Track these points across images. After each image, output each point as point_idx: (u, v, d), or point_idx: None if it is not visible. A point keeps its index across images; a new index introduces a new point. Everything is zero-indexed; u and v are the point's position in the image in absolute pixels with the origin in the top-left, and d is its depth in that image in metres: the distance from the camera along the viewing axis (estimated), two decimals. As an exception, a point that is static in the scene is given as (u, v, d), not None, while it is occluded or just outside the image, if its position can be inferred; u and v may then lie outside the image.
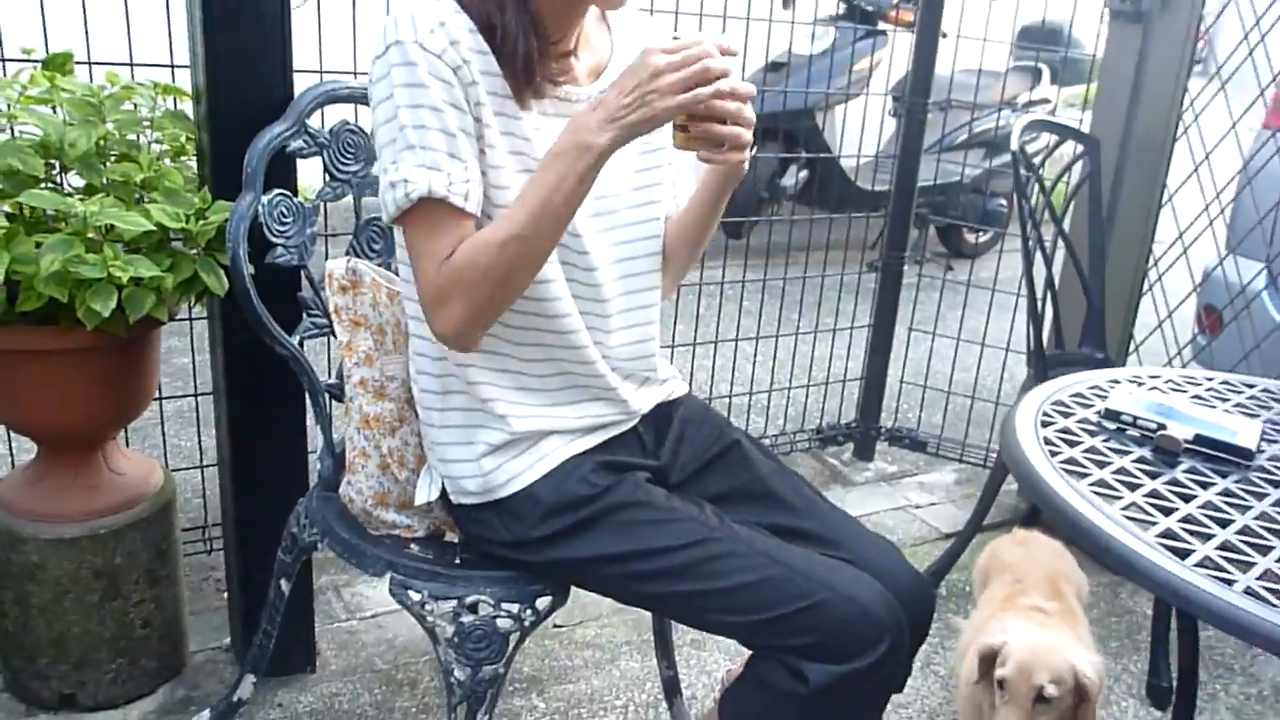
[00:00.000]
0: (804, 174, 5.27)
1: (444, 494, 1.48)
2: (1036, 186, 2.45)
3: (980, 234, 5.77)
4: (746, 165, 1.39)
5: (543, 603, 1.45)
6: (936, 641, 2.30)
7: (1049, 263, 2.42)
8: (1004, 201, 5.70)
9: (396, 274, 1.49)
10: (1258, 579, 1.02)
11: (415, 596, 1.44)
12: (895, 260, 3.06)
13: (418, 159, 1.25)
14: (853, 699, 1.36)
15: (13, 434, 2.01)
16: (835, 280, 3.28)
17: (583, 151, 1.22)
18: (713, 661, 2.16)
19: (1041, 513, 2.79)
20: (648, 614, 2.01)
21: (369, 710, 1.94)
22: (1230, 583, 1.00)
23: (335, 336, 1.55)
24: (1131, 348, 2.85)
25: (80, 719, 1.83)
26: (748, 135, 1.27)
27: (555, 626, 2.23)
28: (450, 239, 1.27)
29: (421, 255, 1.28)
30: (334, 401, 1.64)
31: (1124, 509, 1.13)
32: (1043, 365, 2.40)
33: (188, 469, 2.31)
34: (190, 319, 2.11)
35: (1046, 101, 5.51)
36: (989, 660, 1.62)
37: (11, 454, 2.22)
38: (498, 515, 1.43)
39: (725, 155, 1.27)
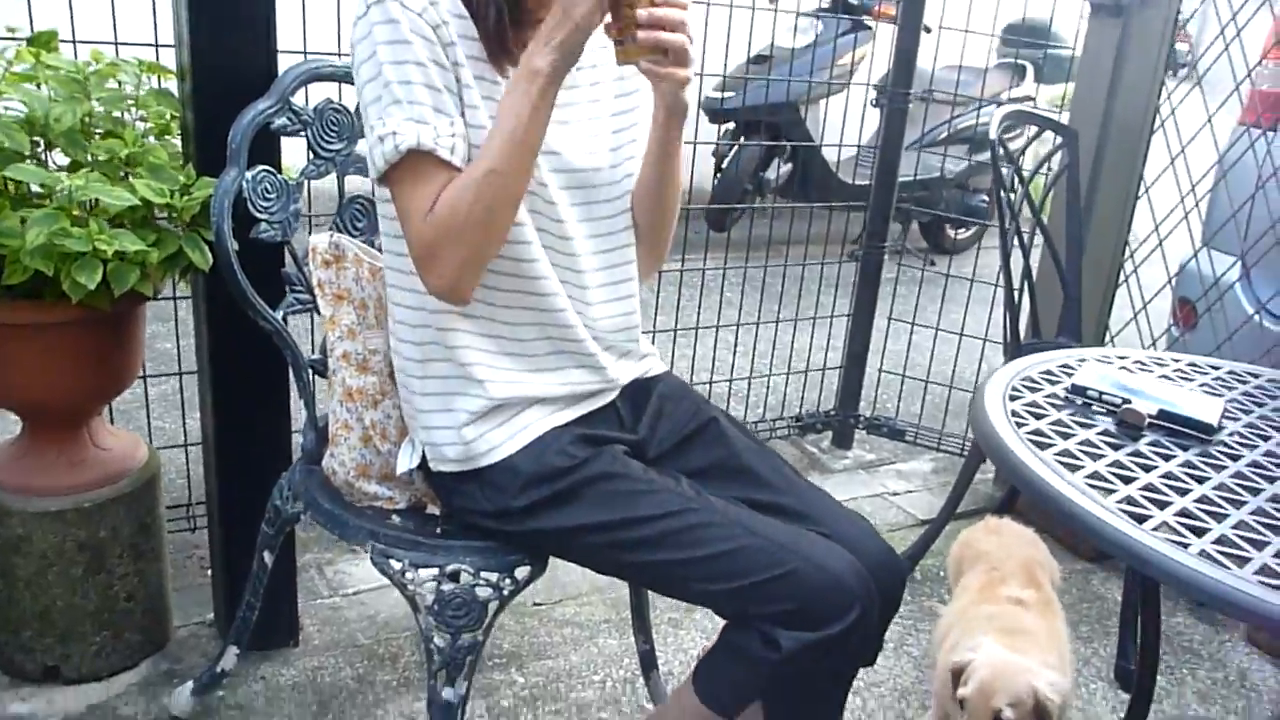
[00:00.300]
0: (787, 167, 5.31)
1: (425, 466, 1.50)
2: (1015, 177, 2.49)
3: (961, 230, 5.82)
4: (689, 92, 1.40)
5: (521, 572, 1.47)
6: (910, 624, 2.34)
7: (1026, 253, 2.46)
8: (985, 198, 5.75)
9: (380, 251, 1.51)
10: (1213, 543, 1.05)
11: (396, 565, 1.46)
12: (875, 250, 3.09)
13: (405, 113, 1.28)
14: (822, 666, 1.39)
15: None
16: (816, 273, 3.32)
17: (532, 77, 1.27)
18: (690, 640, 2.19)
19: (1014, 501, 2.85)
20: (626, 593, 2.03)
21: (350, 683, 1.96)
22: (1186, 546, 1.04)
23: (319, 312, 1.57)
24: (1107, 339, 2.89)
25: (64, 691, 1.85)
26: (689, 45, 1.29)
27: (535, 605, 2.26)
28: (436, 191, 1.30)
29: (409, 212, 1.31)
30: (317, 377, 1.66)
31: (1087, 477, 1.16)
32: (1019, 354, 2.43)
33: (172, 448, 2.33)
34: (175, 298, 2.12)
35: (1030, 99, 5.56)
36: (958, 676, 1.64)
37: (-5, 432, 2.23)
38: (478, 486, 1.46)
39: (668, 70, 1.30)
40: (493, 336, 1.44)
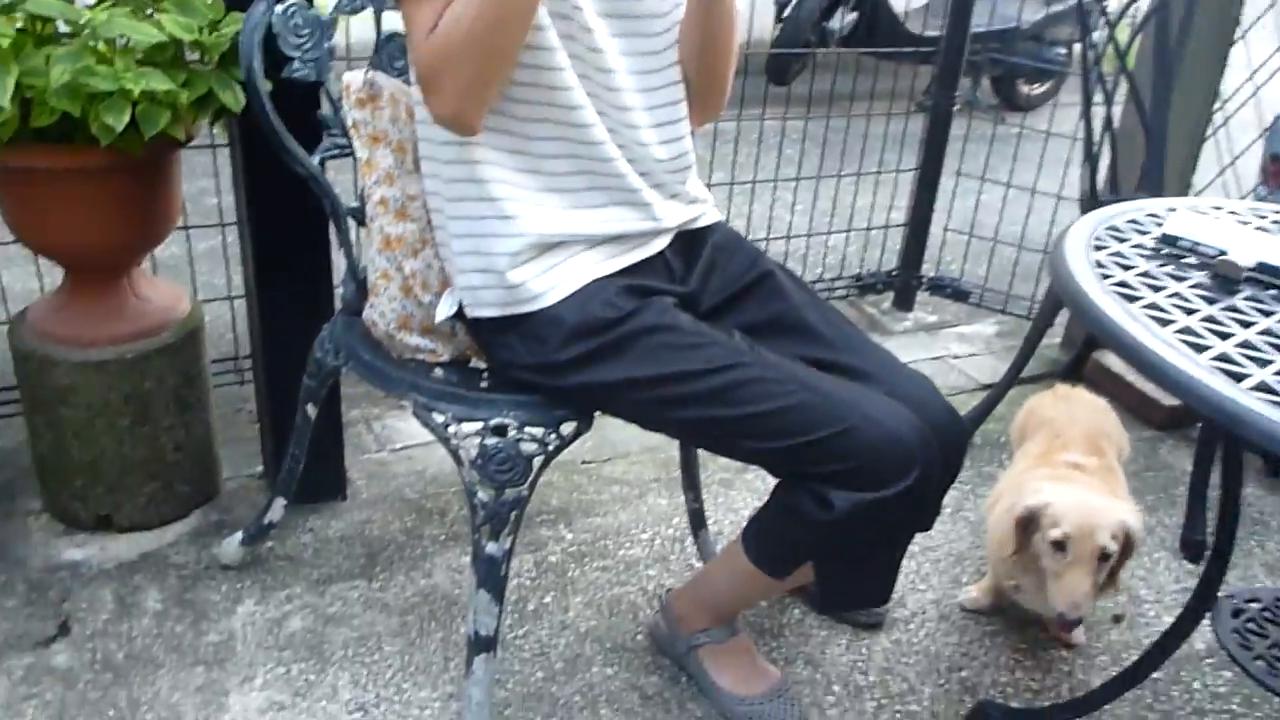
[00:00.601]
0: (852, 16, 5.04)
1: (467, 318, 1.44)
2: (1101, 20, 2.30)
3: (1035, 84, 5.54)
4: None
5: (567, 428, 1.43)
6: (968, 489, 2.28)
7: (1109, 102, 2.30)
8: (1063, 50, 5.44)
9: (417, 88, 1.42)
10: (1316, 403, 0.96)
11: (439, 419, 1.42)
12: (945, 101, 2.92)
13: None
14: (877, 528, 1.34)
15: (42, 262, 1.99)
16: (880, 128, 3.16)
17: None
18: (740, 500, 2.16)
19: (1082, 366, 2.75)
20: (676, 453, 1.99)
21: (398, 536, 1.96)
22: (1287, 405, 0.95)
23: (356, 156, 1.50)
24: (1190, 196, 2.72)
25: (117, 539, 1.87)
26: None
27: (584, 463, 2.23)
28: (440, 8, 1.23)
29: (413, 31, 1.25)
30: (357, 225, 1.60)
31: (1178, 332, 1.07)
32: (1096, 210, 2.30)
33: (218, 300, 2.29)
34: (213, 146, 2.06)
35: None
36: (1028, 523, 1.59)
37: (41, 282, 2.21)
38: (520, 338, 1.40)
39: None
40: (525, 171, 1.36)
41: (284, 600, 1.77)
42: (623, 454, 2.27)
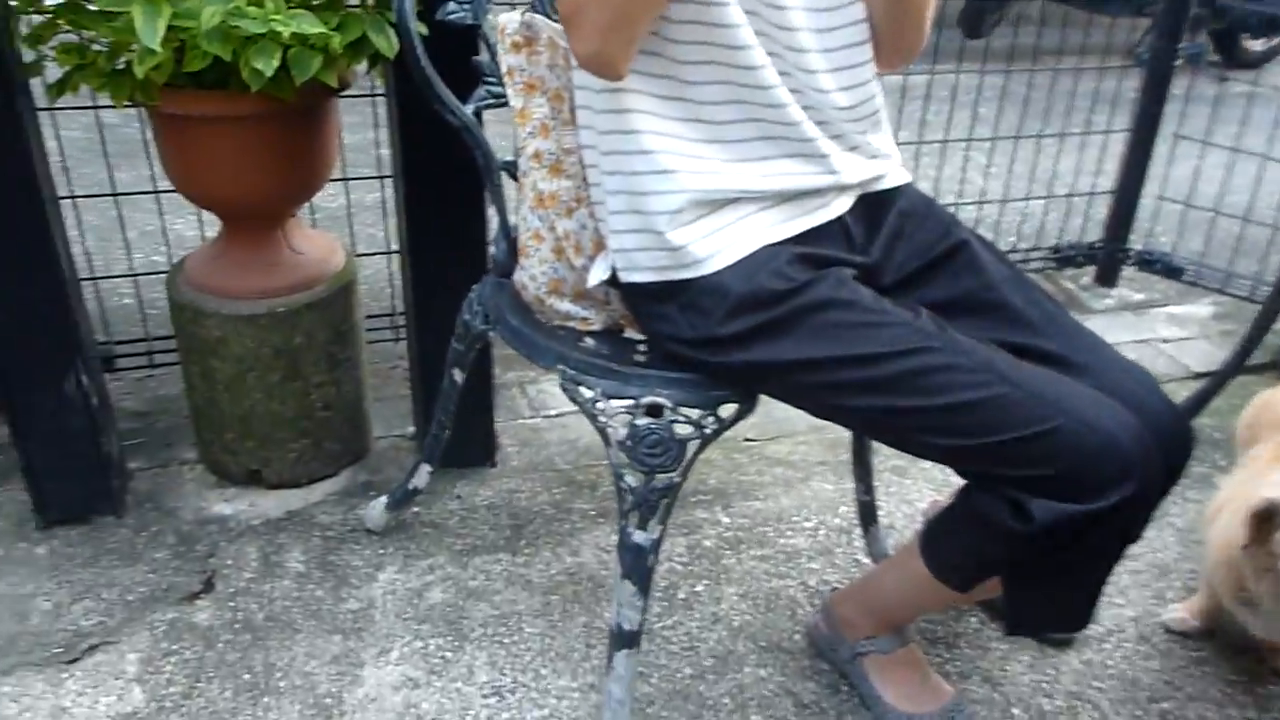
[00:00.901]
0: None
1: (623, 285, 1.31)
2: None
3: (1262, 40, 5.00)
4: None
5: (726, 410, 1.29)
6: (1177, 492, 2.00)
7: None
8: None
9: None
10: None
11: (587, 393, 1.31)
12: (1164, 53, 2.60)
13: None
14: (1082, 544, 1.15)
15: (203, 215, 1.97)
16: (1086, 86, 2.86)
17: None
18: (915, 490, 1.97)
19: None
20: (847, 433, 1.83)
21: (547, 509, 1.87)
22: None
23: (510, 105, 1.38)
24: None
25: (266, 494, 1.84)
26: None
27: (746, 440, 2.08)
28: None
29: None
30: (511, 181, 1.49)
31: None
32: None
33: (377, 254, 2.25)
34: (372, 95, 1.99)
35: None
36: (1265, 518, 1.36)
37: (202, 231, 2.22)
38: (679, 309, 1.26)
39: None
40: (684, 120, 1.21)
41: (426, 570, 1.71)
42: (789, 433, 2.12)
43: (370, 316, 2.15)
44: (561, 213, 1.35)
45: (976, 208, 2.86)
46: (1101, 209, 2.86)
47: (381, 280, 2.33)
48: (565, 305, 1.39)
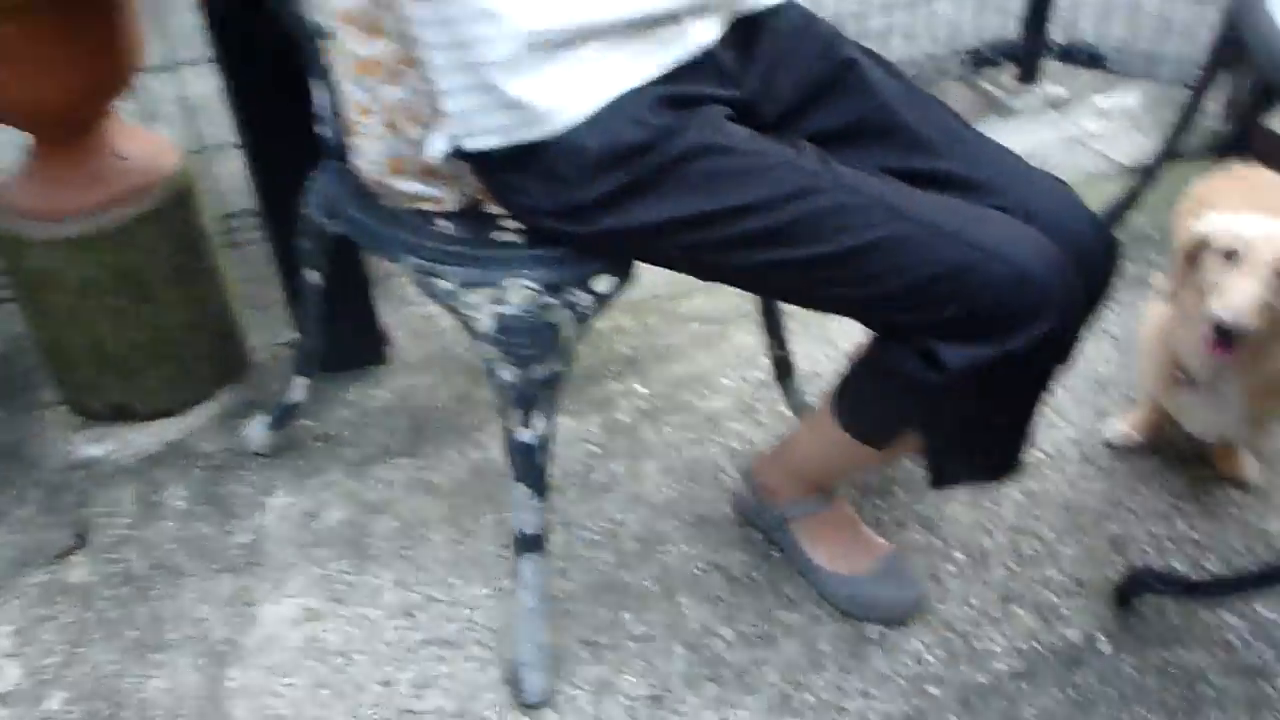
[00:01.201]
0: None
1: (464, 154, 1.13)
2: None
3: None
4: None
5: (601, 284, 1.14)
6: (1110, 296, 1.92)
7: None
8: None
9: None
10: None
11: (443, 285, 1.15)
12: None
13: None
14: (1000, 388, 1.04)
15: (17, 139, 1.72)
16: None
17: None
18: (836, 329, 1.85)
19: (1250, 139, 2.29)
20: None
21: (448, 404, 1.73)
22: None
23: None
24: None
25: (138, 429, 1.68)
26: None
27: (655, 298, 1.94)
28: None
29: None
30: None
31: None
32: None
33: (213, 148, 2.00)
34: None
35: None
36: (1194, 255, 1.29)
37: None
38: (535, 177, 1.09)
39: None
40: None
41: (319, 488, 1.58)
42: (702, 285, 1.97)
43: (232, 215, 1.96)
44: (387, 79, 1.16)
45: (885, 13, 2.66)
46: (1018, 2, 2.67)
47: (238, 177, 2.11)
48: (412, 185, 1.22)
